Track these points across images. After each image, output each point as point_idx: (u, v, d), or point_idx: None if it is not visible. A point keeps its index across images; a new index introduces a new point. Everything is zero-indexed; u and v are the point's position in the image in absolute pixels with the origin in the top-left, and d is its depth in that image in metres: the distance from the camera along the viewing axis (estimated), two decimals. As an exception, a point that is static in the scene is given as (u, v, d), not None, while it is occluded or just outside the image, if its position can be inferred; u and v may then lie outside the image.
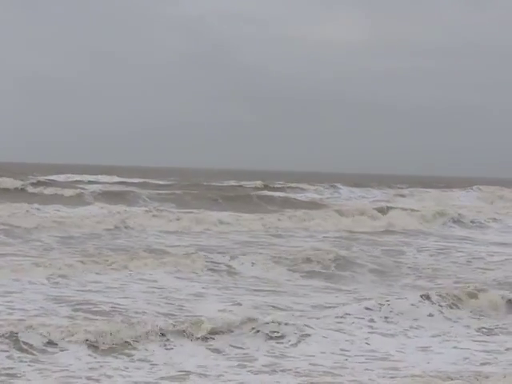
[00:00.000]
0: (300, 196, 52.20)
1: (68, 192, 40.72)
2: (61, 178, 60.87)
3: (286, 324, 12.03)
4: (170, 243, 23.79)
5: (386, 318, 13.29)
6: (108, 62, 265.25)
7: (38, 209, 31.28)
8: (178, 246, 23.01)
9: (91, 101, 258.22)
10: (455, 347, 11.99)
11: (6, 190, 40.29)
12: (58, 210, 31.95)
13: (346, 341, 11.93)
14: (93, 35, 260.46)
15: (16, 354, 10.19)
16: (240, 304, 14.26)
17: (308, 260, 19.49)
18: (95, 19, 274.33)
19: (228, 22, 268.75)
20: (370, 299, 14.50)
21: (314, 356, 11.08)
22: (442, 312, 13.94)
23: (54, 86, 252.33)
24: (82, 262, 17.60)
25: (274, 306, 14.26)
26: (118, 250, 21.11)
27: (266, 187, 57.92)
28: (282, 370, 10.28)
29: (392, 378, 10.11)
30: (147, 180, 61.59)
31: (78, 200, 37.73)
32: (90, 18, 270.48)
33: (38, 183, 47.53)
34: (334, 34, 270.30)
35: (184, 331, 11.35)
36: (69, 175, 65.46)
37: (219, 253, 20.37)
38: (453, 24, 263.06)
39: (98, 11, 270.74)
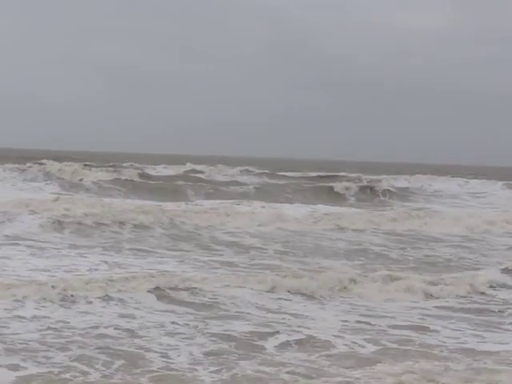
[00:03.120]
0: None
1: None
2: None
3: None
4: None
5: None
6: (194, 53, 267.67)
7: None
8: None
9: (178, 93, 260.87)
10: None
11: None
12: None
13: None
14: (179, 27, 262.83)
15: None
16: None
17: None
18: (182, 12, 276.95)
19: (311, 9, 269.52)
20: None
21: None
22: None
23: (140, 78, 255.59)
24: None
25: None
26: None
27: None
28: None
29: None
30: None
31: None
32: (177, 11, 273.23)
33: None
34: (416, 21, 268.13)
35: None
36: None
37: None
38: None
39: (186, 4, 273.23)
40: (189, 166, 63.19)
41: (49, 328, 11.10)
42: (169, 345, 10.58)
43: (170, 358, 9.99)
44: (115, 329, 11.29)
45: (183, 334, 11.23)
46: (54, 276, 14.84)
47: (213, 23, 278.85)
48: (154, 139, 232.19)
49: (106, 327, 11.36)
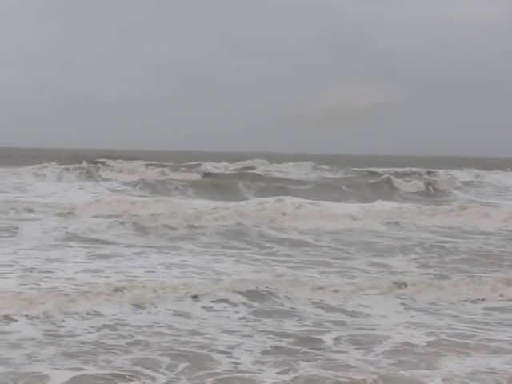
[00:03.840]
0: None
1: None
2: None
3: None
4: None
5: None
6: (244, 49, 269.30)
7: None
8: None
9: (229, 89, 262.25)
10: None
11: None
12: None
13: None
14: (229, 24, 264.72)
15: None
16: None
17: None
18: (231, 9, 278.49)
19: (359, 3, 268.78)
20: None
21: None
22: None
23: (192, 75, 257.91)
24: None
25: None
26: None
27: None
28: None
29: None
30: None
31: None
32: (227, 8, 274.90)
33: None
34: (468, 14, 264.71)
35: None
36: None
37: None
38: None
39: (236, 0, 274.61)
40: (246, 163, 63.49)
41: (104, 326, 11.06)
42: (229, 344, 10.40)
43: (234, 358, 9.82)
44: (169, 328, 11.20)
45: (241, 331, 11.09)
46: (108, 277, 14.82)
47: (263, 18, 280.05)
48: (206, 135, 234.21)
49: (160, 326, 11.27)
